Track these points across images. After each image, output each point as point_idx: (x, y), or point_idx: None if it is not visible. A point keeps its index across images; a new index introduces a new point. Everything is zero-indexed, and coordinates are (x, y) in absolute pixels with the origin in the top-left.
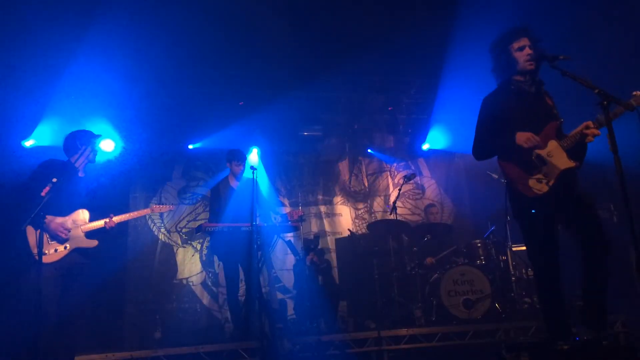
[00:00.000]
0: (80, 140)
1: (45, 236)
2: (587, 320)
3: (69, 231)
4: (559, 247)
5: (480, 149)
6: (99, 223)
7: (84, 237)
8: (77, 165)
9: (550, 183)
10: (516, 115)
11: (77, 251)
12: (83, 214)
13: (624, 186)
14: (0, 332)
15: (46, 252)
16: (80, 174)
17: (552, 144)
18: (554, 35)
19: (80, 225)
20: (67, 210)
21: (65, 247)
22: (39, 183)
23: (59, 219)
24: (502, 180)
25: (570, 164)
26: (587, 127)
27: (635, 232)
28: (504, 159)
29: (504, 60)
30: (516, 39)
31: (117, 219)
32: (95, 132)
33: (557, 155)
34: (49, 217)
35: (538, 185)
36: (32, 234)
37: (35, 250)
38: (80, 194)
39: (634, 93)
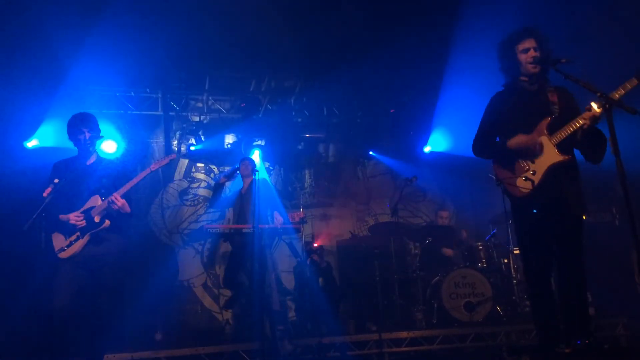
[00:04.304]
0: (73, 129)
1: (60, 235)
2: (568, 328)
3: (83, 217)
4: (552, 251)
5: (478, 148)
6: (104, 204)
7: (96, 222)
8: (80, 153)
9: (536, 180)
10: (514, 115)
11: (92, 242)
12: (95, 200)
13: (626, 189)
14: (14, 331)
15: (65, 247)
16: (89, 162)
17: (542, 140)
18: (558, 36)
19: (92, 211)
20: (81, 203)
21: (81, 236)
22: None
23: (74, 213)
24: (493, 177)
25: (559, 157)
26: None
27: (637, 236)
28: (497, 162)
29: (508, 61)
30: (521, 40)
31: (119, 192)
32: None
33: (545, 151)
34: (63, 217)
35: (524, 183)
36: (56, 235)
37: (56, 249)
38: (91, 184)
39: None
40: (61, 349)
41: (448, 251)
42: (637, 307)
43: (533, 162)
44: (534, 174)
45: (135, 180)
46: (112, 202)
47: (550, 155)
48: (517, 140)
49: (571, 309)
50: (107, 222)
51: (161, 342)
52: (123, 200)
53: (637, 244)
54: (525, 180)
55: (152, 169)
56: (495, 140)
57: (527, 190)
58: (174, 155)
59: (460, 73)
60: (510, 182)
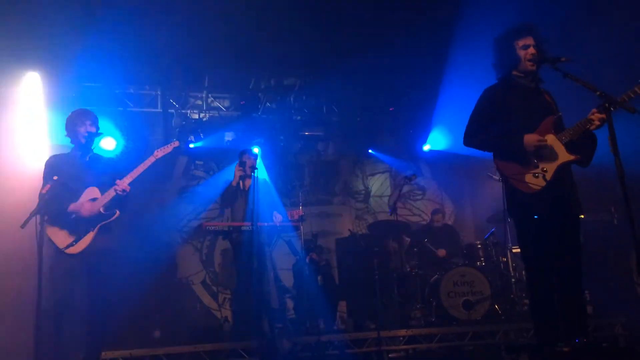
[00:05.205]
0: (73, 123)
1: (64, 231)
2: (566, 327)
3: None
4: (552, 249)
5: (473, 139)
6: (111, 193)
7: (104, 213)
8: (77, 149)
9: (548, 177)
10: (514, 110)
11: (100, 234)
12: (93, 191)
13: (625, 188)
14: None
15: (73, 242)
16: (87, 158)
17: (550, 138)
18: (554, 36)
19: (94, 202)
20: (77, 198)
21: (92, 229)
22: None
23: (72, 205)
24: (496, 178)
25: (569, 157)
26: (592, 114)
27: (636, 235)
28: (501, 158)
29: (506, 56)
30: (522, 37)
31: (125, 181)
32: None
33: (555, 150)
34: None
35: (535, 180)
36: (55, 233)
37: (62, 246)
38: (89, 180)
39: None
40: (59, 346)
41: (441, 252)
42: (635, 306)
43: (542, 160)
44: (546, 171)
45: (141, 168)
46: (121, 189)
47: (561, 154)
48: (531, 139)
49: (570, 308)
50: (118, 212)
51: (160, 339)
52: (128, 186)
53: (636, 244)
54: (535, 177)
55: (157, 156)
56: (488, 133)
57: (539, 187)
58: (177, 143)
59: (460, 71)
60: (519, 178)
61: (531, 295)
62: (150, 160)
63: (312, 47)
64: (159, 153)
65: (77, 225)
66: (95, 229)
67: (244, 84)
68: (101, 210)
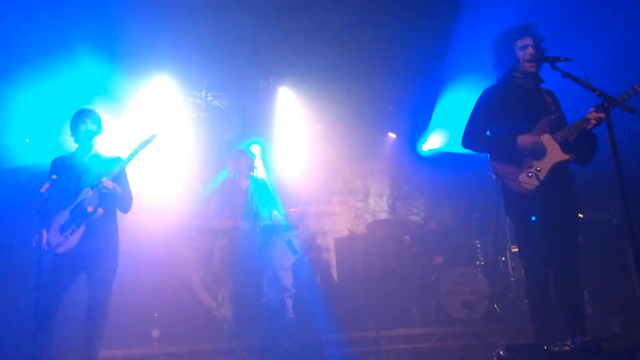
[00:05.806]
0: (75, 122)
1: (56, 231)
2: (564, 327)
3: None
4: (550, 249)
5: (471, 140)
6: (97, 192)
7: (89, 211)
8: (77, 148)
9: (542, 177)
10: (512, 110)
11: (88, 233)
12: (87, 192)
13: (624, 188)
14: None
15: (61, 242)
16: (87, 157)
17: (545, 137)
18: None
19: (84, 202)
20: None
21: (77, 229)
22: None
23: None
24: (493, 176)
25: (564, 156)
26: (589, 113)
27: (635, 235)
28: (496, 157)
29: (505, 57)
30: (520, 37)
31: (110, 178)
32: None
33: (549, 149)
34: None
35: (528, 179)
36: (49, 232)
37: (52, 245)
38: (89, 179)
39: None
40: (56, 345)
41: (439, 258)
42: (634, 306)
43: (537, 159)
44: (539, 170)
45: (123, 163)
46: (103, 187)
47: (555, 154)
48: (524, 140)
49: (568, 307)
50: (100, 210)
51: (158, 338)
52: (112, 183)
53: (634, 243)
54: (529, 176)
55: (139, 150)
56: (486, 134)
57: (532, 187)
58: (158, 133)
59: (460, 71)
60: (513, 178)
61: (530, 295)
62: (132, 155)
63: (311, 46)
64: (140, 146)
65: (68, 225)
66: (80, 229)
67: (243, 82)
68: (88, 209)
